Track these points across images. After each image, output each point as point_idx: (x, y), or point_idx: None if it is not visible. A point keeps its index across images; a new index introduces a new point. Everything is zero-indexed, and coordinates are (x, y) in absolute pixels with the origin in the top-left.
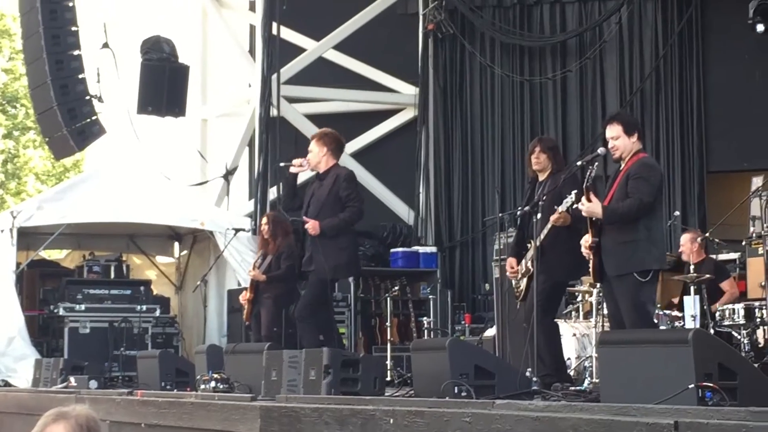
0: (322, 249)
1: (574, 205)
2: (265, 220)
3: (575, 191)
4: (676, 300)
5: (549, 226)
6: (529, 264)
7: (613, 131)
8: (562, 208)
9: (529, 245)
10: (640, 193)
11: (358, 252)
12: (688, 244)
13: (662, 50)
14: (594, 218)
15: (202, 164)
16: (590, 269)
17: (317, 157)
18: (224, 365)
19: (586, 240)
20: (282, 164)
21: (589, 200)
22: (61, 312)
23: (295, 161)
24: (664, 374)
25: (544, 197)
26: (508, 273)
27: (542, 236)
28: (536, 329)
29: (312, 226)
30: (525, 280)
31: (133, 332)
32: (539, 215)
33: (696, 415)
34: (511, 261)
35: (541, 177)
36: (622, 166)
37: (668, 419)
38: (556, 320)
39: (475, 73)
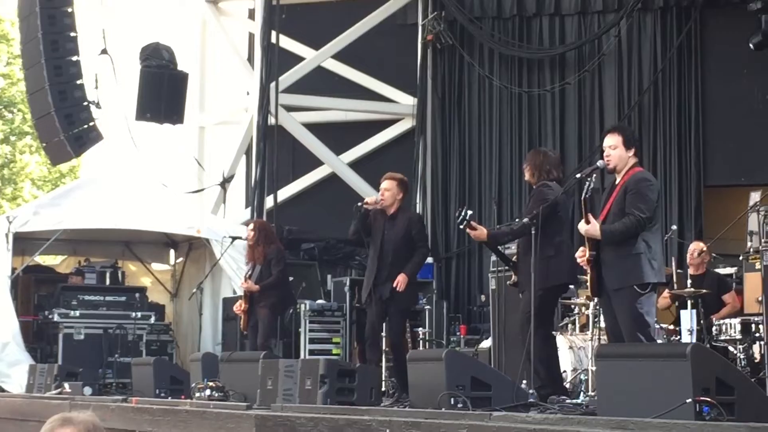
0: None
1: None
2: (251, 227)
3: (465, 207)
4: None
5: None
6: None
7: (613, 141)
8: (461, 225)
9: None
10: (638, 210)
11: None
12: (696, 253)
13: (661, 64)
14: None
15: (199, 172)
16: (588, 283)
17: (393, 198)
18: (219, 373)
19: (582, 253)
20: (359, 204)
21: (587, 221)
22: (56, 318)
23: (369, 199)
24: (662, 388)
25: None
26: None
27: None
28: (531, 340)
29: (402, 282)
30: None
31: (128, 339)
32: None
33: (694, 429)
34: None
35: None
36: (618, 179)
37: None
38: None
39: (473, 84)
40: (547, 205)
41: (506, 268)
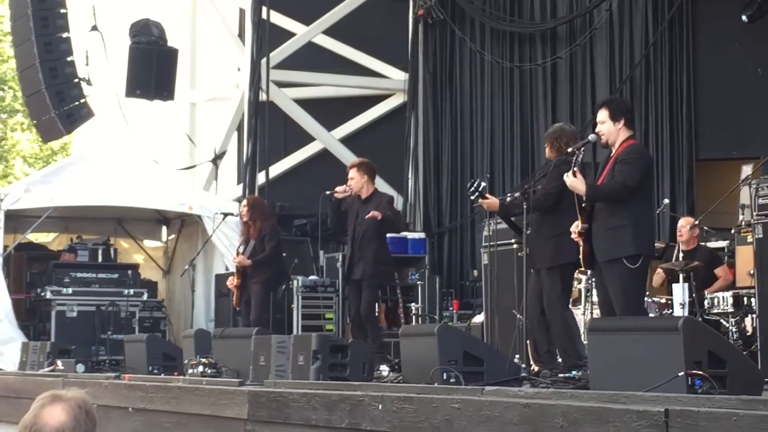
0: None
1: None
2: (244, 203)
3: (479, 179)
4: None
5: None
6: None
7: (600, 116)
8: (472, 196)
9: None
10: (623, 177)
11: None
12: (687, 228)
13: (652, 37)
14: (583, 204)
15: (191, 148)
16: (581, 256)
17: (359, 183)
18: (212, 350)
19: (576, 226)
20: (328, 193)
21: (575, 175)
22: (48, 295)
23: (338, 188)
24: (654, 362)
25: (536, 185)
26: None
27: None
28: (524, 317)
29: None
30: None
31: (121, 316)
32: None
33: (687, 403)
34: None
35: None
36: (612, 152)
37: (659, 407)
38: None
39: (465, 59)
40: (556, 184)
41: (500, 243)
